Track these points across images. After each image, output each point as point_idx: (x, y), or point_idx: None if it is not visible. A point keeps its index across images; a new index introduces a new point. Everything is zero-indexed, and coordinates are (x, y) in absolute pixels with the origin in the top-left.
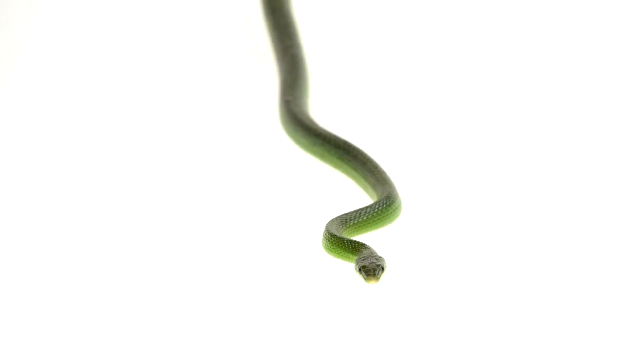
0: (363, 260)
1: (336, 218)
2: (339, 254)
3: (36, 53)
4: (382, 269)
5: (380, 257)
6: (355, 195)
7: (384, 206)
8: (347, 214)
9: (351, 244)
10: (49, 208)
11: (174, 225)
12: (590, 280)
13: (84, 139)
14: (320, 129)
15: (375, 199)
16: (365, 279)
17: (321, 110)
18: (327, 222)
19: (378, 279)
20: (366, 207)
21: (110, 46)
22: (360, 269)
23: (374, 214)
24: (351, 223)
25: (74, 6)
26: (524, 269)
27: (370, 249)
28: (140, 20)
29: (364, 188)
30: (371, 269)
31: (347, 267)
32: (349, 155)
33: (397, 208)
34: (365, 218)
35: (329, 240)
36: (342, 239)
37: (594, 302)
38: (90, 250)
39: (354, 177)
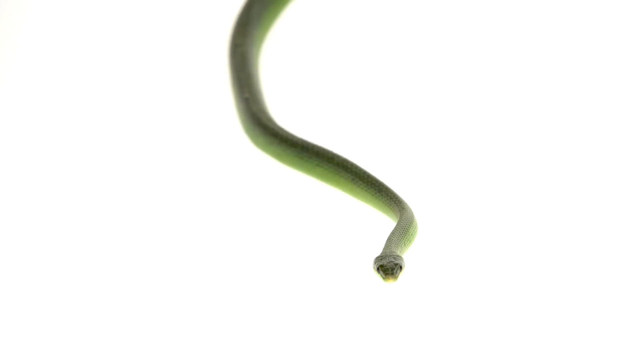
0: (381, 259)
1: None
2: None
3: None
4: (400, 267)
5: (398, 256)
6: (319, 198)
7: (414, 221)
8: (400, 225)
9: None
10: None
11: (134, 224)
12: (595, 280)
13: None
14: (293, 135)
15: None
16: (383, 278)
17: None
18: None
19: (396, 277)
20: (406, 221)
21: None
22: (378, 269)
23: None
24: (408, 231)
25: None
26: (524, 270)
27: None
28: (101, 20)
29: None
30: (389, 268)
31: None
32: (353, 174)
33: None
34: (412, 231)
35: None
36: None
37: (600, 303)
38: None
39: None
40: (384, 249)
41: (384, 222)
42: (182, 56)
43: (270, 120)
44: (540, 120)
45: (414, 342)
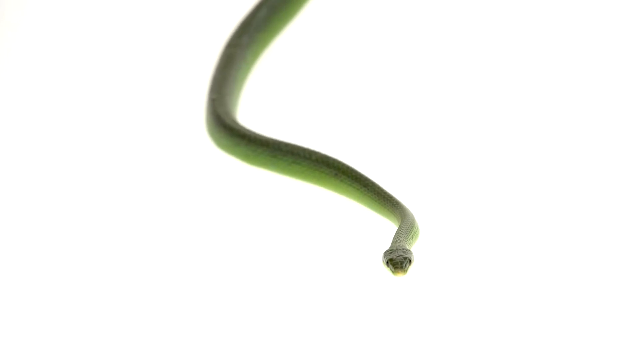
0: (390, 253)
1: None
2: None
3: None
4: (410, 261)
5: (407, 249)
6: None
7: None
8: (406, 220)
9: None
10: None
11: (94, 227)
12: (598, 281)
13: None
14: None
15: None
16: (392, 271)
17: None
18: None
19: (406, 271)
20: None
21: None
22: (387, 262)
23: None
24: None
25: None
26: (526, 269)
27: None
28: (65, 18)
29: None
30: (398, 262)
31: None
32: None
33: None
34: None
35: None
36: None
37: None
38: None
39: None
40: (392, 243)
41: (370, 218)
42: (181, 56)
43: (235, 121)
44: (540, 123)
45: (421, 337)
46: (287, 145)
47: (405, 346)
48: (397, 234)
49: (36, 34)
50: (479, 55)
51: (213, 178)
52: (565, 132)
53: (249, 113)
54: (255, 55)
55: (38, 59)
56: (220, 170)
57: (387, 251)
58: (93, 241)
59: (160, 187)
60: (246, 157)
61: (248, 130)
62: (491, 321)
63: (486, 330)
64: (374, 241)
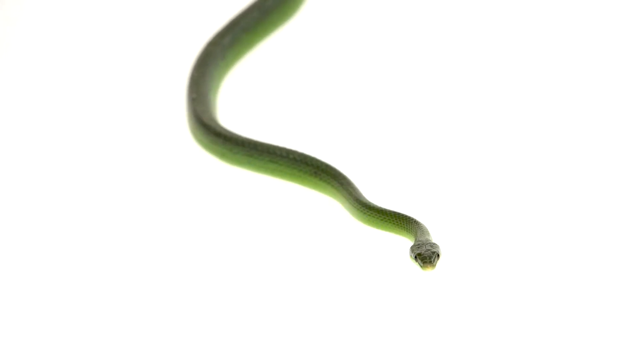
0: (418, 247)
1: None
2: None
3: None
4: (438, 255)
5: (434, 243)
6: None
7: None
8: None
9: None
10: None
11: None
12: (603, 282)
13: None
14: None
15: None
16: (421, 266)
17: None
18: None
19: (434, 266)
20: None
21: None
22: (416, 257)
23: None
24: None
25: None
26: (519, 270)
27: (422, 230)
28: (47, 18)
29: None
30: (427, 256)
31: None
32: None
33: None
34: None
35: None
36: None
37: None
38: None
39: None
40: (417, 237)
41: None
42: (169, 55)
43: (212, 120)
44: (540, 125)
45: (435, 336)
46: (262, 144)
47: (419, 346)
48: (421, 230)
49: (35, 30)
50: (474, 56)
51: (197, 176)
52: (564, 133)
53: (233, 111)
54: (237, 55)
55: (36, 56)
56: (205, 168)
57: (414, 245)
58: (75, 241)
59: (146, 186)
60: (223, 156)
61: (224, 129)
62: (502, 320)
63: (499, 329)
64: (367, 241)
